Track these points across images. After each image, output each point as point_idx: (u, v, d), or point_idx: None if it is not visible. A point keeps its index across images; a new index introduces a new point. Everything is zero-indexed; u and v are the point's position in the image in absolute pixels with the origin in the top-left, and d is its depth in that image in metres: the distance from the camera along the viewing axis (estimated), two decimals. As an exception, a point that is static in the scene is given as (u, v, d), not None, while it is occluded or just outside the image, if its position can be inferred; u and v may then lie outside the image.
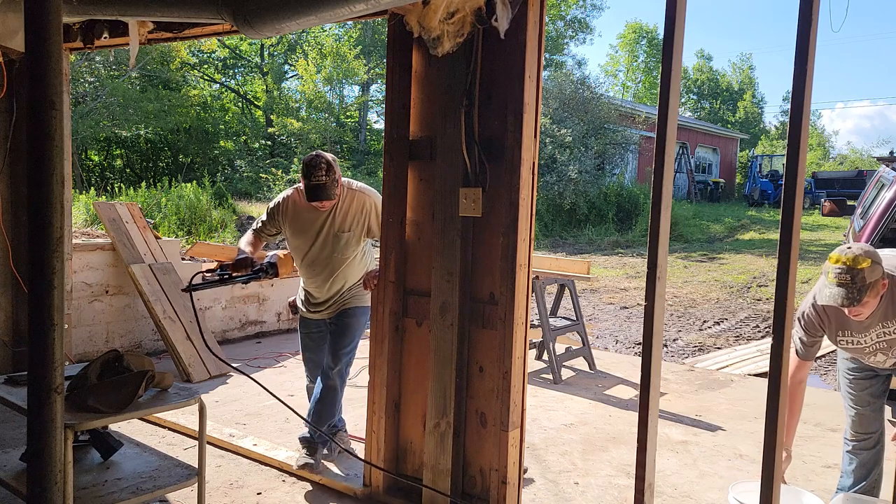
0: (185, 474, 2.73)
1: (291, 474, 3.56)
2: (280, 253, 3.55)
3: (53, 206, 1.88)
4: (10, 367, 4.40)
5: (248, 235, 3.67)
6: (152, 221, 8.50)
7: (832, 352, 6.57)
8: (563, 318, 6.10)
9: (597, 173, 20.52)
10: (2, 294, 4.42)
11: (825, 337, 2.97)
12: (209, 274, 3.38)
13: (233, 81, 28.72)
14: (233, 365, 3.55)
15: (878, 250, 2.78)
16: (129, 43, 4.02)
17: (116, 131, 20.06)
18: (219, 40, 24.50)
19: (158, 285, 5.62)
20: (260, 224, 3.68)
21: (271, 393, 3.11)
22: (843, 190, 25.70)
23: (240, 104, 28.12)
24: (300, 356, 6.00)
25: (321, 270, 3.57)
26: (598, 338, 7.60)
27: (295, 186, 3.64)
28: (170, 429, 4.16)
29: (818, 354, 6.65)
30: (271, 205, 3.64)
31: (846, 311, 2.74)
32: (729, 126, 42.60)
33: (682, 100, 46.43)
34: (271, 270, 3.45)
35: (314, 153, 3.37)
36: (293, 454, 3.72)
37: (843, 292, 2.62)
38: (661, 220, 2.11)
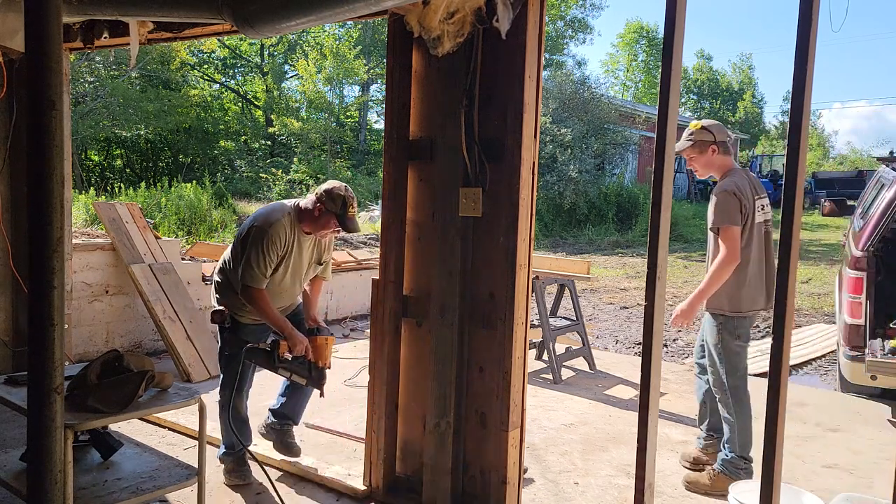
0: (185, 474, 2.73)
1: (291, 474, 3.56)
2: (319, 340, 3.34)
3: (53, 206, 1.88)
4: (10, 367, 4.39)
5: (266, 299, 3.24)
6: (152, 221, 8.50)
7: (832, 352, 6.57)
8: (563, 318, 6.09)
9: (597, 173, 20.51)
10: (2, 294, 4.42)
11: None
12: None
13: (233, 81, 28.72)
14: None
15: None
16: (129, 43, 4.02)
17: (116, 131, 20.06)
18: (219, 40, 24.50)
19: (158, 285, 5.62)
20: (262, 272, 3.21)
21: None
22: (843, 190, 25.67)
23: (240, 104, 28.12)
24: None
25: (286, 297, 3.48)
26: (598, 338, 7.60)
27: (285, 212, 3.31)
28: (170, 429, 4.16)
29: (816, 355, 6.67)
30: (268, 244, 3.20)
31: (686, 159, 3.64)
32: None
33: (682, 100, 46.43)
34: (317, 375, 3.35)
35: (341, 184, 3.30)
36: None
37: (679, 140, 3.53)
38: (661, 220, 2.11)
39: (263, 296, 3.23)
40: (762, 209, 3.51)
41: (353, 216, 3.32)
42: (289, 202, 3.42)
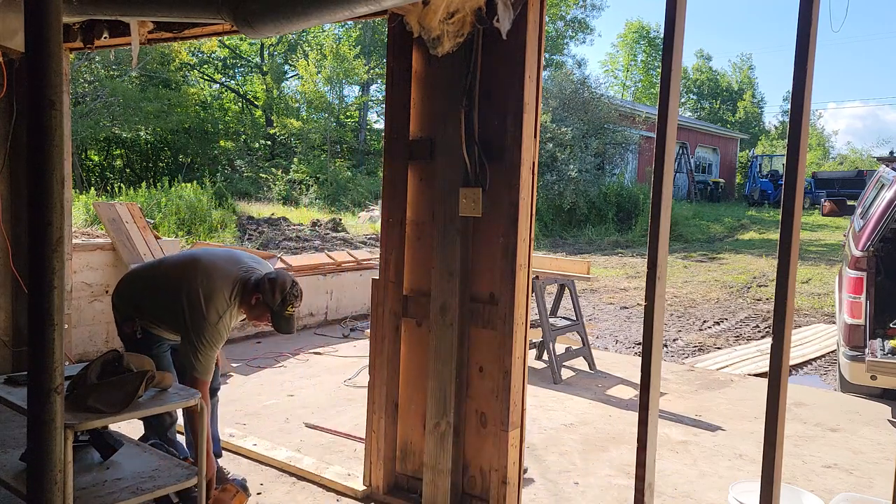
0: (185, 474, 2.73)
1: (291, 474, 3.56)
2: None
3: (53, 206, 1.87)
4: (10, 367, 4.39)
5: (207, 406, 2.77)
6: (152, 221, 8.50)
7: (832, 352, 6.57)
8: (563, 318, 6.09)
9: (597, 173, 20.52)
10: (2, 294, 4.42)
11: None
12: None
13: (233, 81, 28.72)
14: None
15: None
16: (128, 43, 4.02)
17: (116, 131, 20.07)
18: (219, 40, 24.50)
19: (158, 285, 5.62)
20: (212, 363, 3.00)
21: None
22: (843, 190, 25.67)
23: (240, 104, 28.12)
24: (300, 356, 6.03)
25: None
26: (598, 338, 7.60)
27: (235, 284, 3.00)
28: (170, 429, 4.15)
29: (816, 355, 6.67)
30: (223, 329, 2.98)
31: None
32: (729, 126, 42.58)
33: (682, 100, 46.41)
34: None
35: (289, 278, 2.99)
36: (293, 454, 3.73)
37: None
38: (661, 220, 2.11)
39: (207, 398, 2.87)
40: None
41: (291, 316, 3.00)
42: (239, 269, 3.07)
